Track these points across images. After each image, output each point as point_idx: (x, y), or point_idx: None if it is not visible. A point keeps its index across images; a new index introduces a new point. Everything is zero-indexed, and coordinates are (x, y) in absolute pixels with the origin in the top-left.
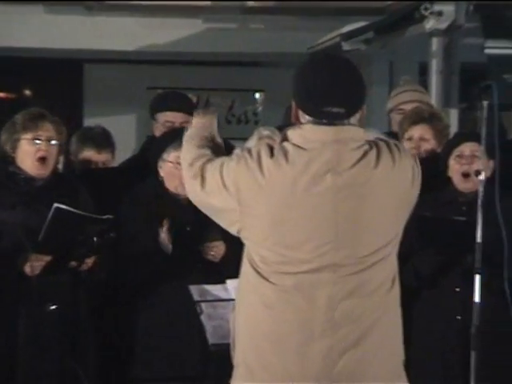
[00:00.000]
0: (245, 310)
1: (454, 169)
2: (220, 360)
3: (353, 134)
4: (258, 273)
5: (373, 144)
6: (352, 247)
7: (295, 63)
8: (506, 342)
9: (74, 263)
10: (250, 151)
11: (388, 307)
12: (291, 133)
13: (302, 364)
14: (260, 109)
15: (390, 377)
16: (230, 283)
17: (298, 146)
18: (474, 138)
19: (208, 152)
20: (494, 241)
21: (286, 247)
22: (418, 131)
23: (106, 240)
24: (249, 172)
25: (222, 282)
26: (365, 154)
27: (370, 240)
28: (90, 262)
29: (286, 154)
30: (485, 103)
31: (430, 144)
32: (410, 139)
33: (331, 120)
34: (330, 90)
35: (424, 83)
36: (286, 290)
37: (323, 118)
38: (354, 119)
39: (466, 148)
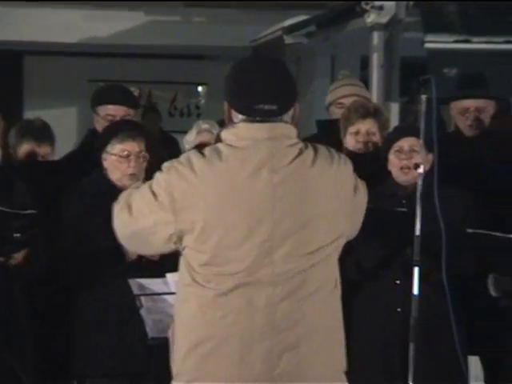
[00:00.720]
0: (184, 318)
1: (394, 163)
2: (161, 354)
3: (286, 130)
4: (196, 279)
5: (309, 144)
6: (291, 245)
7: (238, 56)
8: (444, 334)
9: (1, 258)
10: (178, 160)
11: (329, 309)
12: (225, 133)
13: (243, 368)
14: (203, 102)
15: (330, 379)
16: (170, 277)
17: (232, 145)
18: (413, 132)
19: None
20: (433, 233)
21: (225, 248)
22: (365, 125)
23: (29, 236)
24: (181, 178)
25: (163, 275)
26: (300, 151)
27: (310, 238)
28: (18, 256)
29: (219, 153)
30: (423, 97)
31: (375, 138)
32: (357, 133)
33: (264, 117)
34: (261, 87)
35: (365, 77)
36: (225, 294)
37: (256, 115)
38: (286, 117)
39: (405, 143)
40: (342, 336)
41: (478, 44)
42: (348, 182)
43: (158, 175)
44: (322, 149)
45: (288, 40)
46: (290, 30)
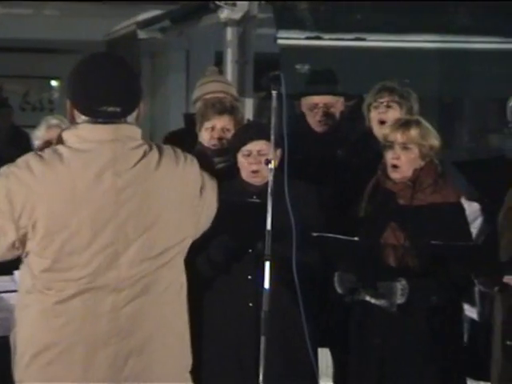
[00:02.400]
0: (25, 324)
1: (243, 165)
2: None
3: (130, 132)
4: (36, 285)
5: (154, 145)
6: (135, 249)
7: (92, 50)
8: (295, 328)
9: None
10: (16, 164)
11: (175, 310)
12: (66, 134)
13: (88, 374)
14: (56, 96)
15: (175, 380)
16: (18, 274)
17: (74, 148)
18: (262, 134)
19: None
20: (283, 229)
21: (68, 253)
22: (221, 122)
23: None
24: (21, 183)
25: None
26: (145, 154)
27: (154, 241)
28: None
29: (60, 157)
30: (274, 93)
31: (230, 134)
32: (212, 129)
33: (107, 119)
34: (104, 89)
35: (220, 72)
36: (67, 300)
37: (99, 117)
38: (130, 117)
39: (254, 147)
40: (187, 336)
41: (329, 41)
42: (194, 182)
43: None
44: (168, 150)
45: (142, 35)
46: (144, 24)
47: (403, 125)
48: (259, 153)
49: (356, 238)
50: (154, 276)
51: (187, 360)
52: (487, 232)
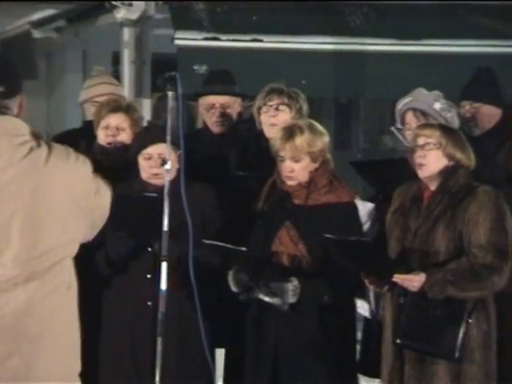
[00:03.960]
0: None
1: (144, 168)
2: None
3: (15, 125)
4: None
5: (43, 142)
6: (21, 247)
7: None
8: (193, 329)
9: None
10: None
11: (61, 312)
12: None
13: None
14: None
15: (64, 381)
16: None
17: None
18: (162, 137)
19: None
20: (181, 228)
21: None
22: (115, 120)
23: None
24: None
25: None
26: (31, 149)
27: (41, 240)
28: None
29: None
30: (170, 93)
31: (126, 133)
32: (106, 127)
33: None
34: None
35: (117, 72)
36: None
37: None
38: (12, 104)
39: (154, 151)
40: (76, 338)
41: (227, 42)
42: (86, 182)
43: None
44: (59, 148)
45: (36, 34)
46: (39, 23)
47: (289, 137)
48: (160, 156)
49: (244, 249)
50: (40, 276)
51: (76, 361)
52: (377, 231)
